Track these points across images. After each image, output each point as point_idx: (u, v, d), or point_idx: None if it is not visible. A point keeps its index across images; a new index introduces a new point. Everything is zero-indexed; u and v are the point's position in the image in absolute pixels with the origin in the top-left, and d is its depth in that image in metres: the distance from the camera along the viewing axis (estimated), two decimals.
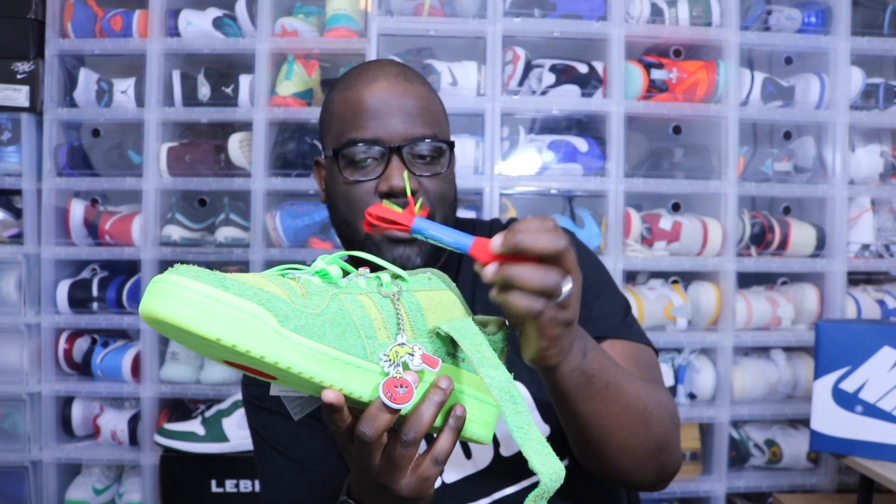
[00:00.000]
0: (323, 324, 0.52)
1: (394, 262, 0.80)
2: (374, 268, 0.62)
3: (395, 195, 0.81)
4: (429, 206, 0.83)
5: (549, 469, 0.52)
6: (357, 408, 0.56)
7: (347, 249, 0.87)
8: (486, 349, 0.57)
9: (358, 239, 0.84)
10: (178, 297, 0.47)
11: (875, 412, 1.38)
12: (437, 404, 0.55)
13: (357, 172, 0.83)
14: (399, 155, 0.81)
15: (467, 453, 0.85)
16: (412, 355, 0.55)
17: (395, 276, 0.61)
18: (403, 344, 0.55)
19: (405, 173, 0.80)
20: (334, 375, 0.52)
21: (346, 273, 0.59)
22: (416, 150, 0.82)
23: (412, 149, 0.82)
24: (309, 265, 0.58)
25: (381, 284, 0.59)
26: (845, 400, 1.40)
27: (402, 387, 0.53)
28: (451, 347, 0.60)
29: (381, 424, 0.54)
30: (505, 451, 0.85)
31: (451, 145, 0.85)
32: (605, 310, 0.89)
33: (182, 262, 0.50)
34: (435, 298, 0.61)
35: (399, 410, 0.53)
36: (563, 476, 0.52)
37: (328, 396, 0.52)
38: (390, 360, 0.54)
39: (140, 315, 0.49)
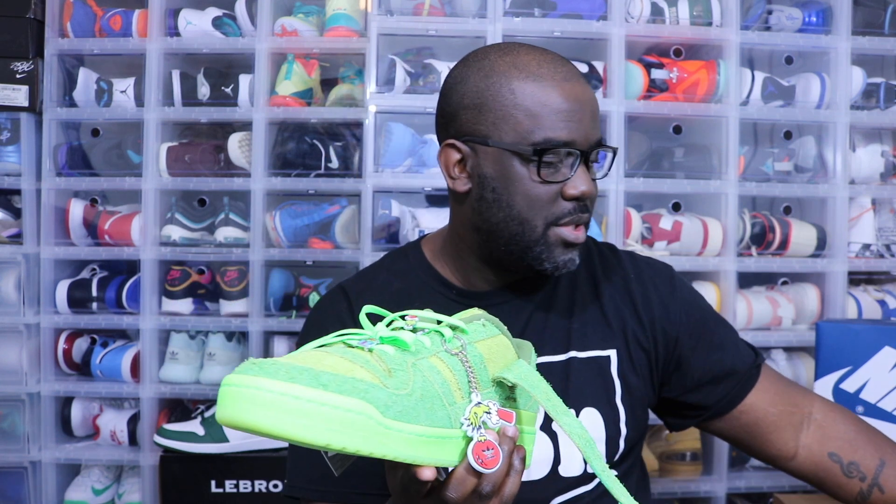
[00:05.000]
0: (416, 404, 0.52)
1: (559, 267, 0.83)
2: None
3: (582, 200, 0.81)
4: (590, 210, 0.84)
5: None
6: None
7: (500, 246, 0.84)
8: (554, 396, 0.59)
9: (531, 237, 0.82)
10: (279, 407, 0.44)
11: (876, 412, 1.37)
12: (509, 454, 0.57)
13: (548, 172, 0.80)
14: (587, 160, 0.81)
15: None
16: (489, 413, 0.55)
17: (454, 328, 0.60)
18: (480, 403, 0.56)
19: None
20: (429, 454, 0.52)
21: (375, 317, 0.59)
22: (592, 156, 0.83)
23: (596, 154, 0.82)
24: (358, 323, 0.57)
25: (445, 340, 0.58)
26: (846, 400, 1.39)
27: (488, 450, 0.54)
28: (508, 391, 0.61)
29: (468, 488, 0.55)
30: (563, 472, 0.86)
31: (616, 151, 0.89)
32: (738, 339, 0.95)
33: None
34: (493, 347, 0.61)
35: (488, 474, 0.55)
36: None
37: (426, 475, 0.52)
38: (471, 422, 0.55)
39: (223, 423, 0.46)
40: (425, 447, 0.51)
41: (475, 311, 0.65)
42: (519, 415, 0.62)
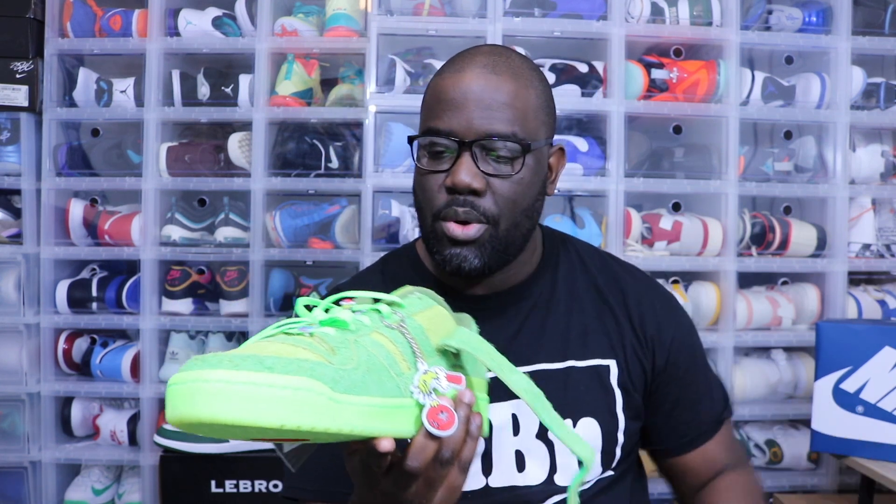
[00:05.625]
0: (364, 377, 0.52)
1: (447, 261, 0.80)
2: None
3: (458, 192, 0.78)
4: (495, 210, 0.79)
5: (587, 451, 0.60)
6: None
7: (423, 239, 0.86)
8: (498, 355, 0.59)
9: (424, 225, 0.83)
10: (227, 395, 0.43)
11: (876, 412, 1.37)
12: (465, 419, 0.57)
13: (431, 162, 0.80)
14: (470, 151, 0.77)
15: (520, 467, 0.85)
16: (438, 379, 0.56)
17: (391, 304, 0.61)
18: (427, 371, 0.56)
19: None
20: (384, 425, 0.52)
21: (310, 307, 0.59)
22: (489, 148, 0.78)
23: (484, 146, 0.78)
24: (294, 313, 0.57)
25: (383, 316, 0.59)
26: (846, 400, 1.39)
27: (443, 413, 0.54)
28: (452, 359, 0.62)
29: (429, 454, 0.55)
30: (559, 480, 0.85)
31: (527, 147, 0.79)
32: (717, 387, 0.95)
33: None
34: (432, 318, 0.62)
35: (444, 437, 0.55)
36: (594, 454, 0.60)
37: (385, 446, 0.52)
38: (421, 390, 0.55)
39: (175, 420, 0.44)
40: (379, 418, 0.51)
41: (408, 287, 0.65)
42: (469, 381, 0.62)
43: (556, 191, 0.90)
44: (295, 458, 0.61)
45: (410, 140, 0.83)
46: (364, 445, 0.55)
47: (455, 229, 0.78)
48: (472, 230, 0.79)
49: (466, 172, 0.77)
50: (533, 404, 0.59)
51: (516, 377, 0.59)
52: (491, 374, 0.62)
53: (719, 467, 0.93)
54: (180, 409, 0.44)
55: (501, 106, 0.78)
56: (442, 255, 0.80)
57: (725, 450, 0.93)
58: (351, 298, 0.60)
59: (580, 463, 0.61)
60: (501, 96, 0.78)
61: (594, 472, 0.86)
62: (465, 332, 0.61)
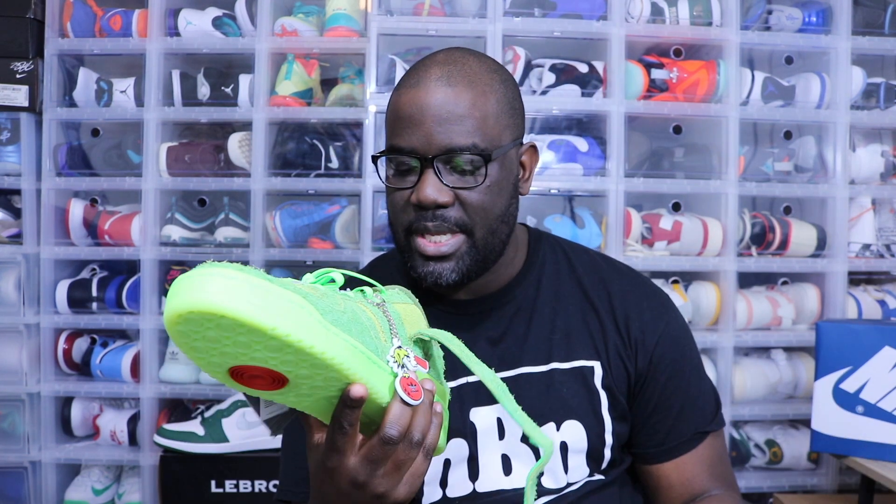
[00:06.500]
0: (349, 321, 0.54)
1: (423, 278, 0.81)
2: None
3: (425, 207, 0.79)
4: (467, 219, 0.80)
5: (547, 442, 0.64)
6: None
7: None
8: (468, 350, 0.63)
9: (398, 241, 0.84)
10: (230, 287, 0.45)
11: (876, 412, 1.37)
12: (430, 405, 0.60)
13: (398, 179, 0.81)
14: (432, 167, 0.78)
15: (507, 470, 0.86)
16: (408, 357, 0.59)
17: (373, 288, 0.65)
18: (401, 347, 0.59)
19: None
20: (364, 369, 0.54)
21: None
22: (451, 161, 0.79)
23: (446, 160, 0.78)
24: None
25: (365, 295, 0.63)
26: (846, 400, 1.39)
27: (412, 385, 0.58)
28: (423, 356, 0.66)
29: (405, 422, 0.57)
30: (546, 483, 0.85)
31: (488, 157, 0.79)
32: (706, 396, 0.91)
33: (182, 263, 0.51)
34: (408, 310, 0.66)
35: (414, 407, 0.58)
36: (552, 445, 0.64)
37: (357, 391, 0.53)
38: (396, 360, 0.58)
39: (175, 311, 0.46)
40: (360, 361, 0.54)
41: (395, 286, 0.69)
42: (442, 390, 0.66)
43: (530, 190, 0.89)
44: (276, 424, 0.64)
45: (374, 159, 0.84)
46: (322, 429, 0.58)
47: (427, 245, 0.80)
48: (446, 245, 0.80)
49: (431, 188, 0.78)
50: (499, 393, 0.63)
51: (481, 369, 0.63)
52: (475, 378, 0.66)
53: (696, 489, 0.88)
54: (182, 295, 0.45)
55: (459, 118, 0.78)
56: (417, 271, 0.81)
57: (706, 471, 0.89)
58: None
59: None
60: (458, 108, 0.78)
61: (581, 473, 0.86)
62: (437, 330, 0.65)
